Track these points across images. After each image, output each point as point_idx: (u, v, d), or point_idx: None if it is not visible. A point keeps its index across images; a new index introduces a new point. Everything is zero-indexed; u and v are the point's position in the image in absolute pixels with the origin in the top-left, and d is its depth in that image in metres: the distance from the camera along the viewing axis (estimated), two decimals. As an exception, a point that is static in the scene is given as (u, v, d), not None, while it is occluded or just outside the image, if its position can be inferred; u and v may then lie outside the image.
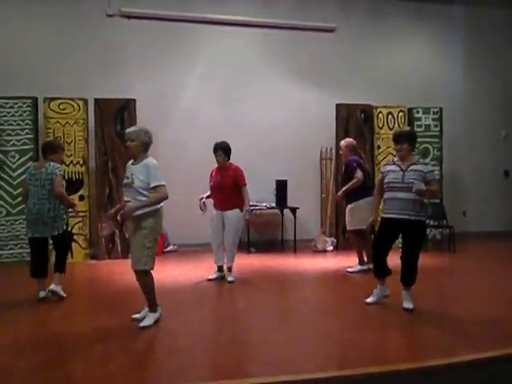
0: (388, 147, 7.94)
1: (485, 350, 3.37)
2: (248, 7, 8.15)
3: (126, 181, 3.93)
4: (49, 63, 7.26)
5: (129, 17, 7.70)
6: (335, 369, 3.08)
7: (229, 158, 5.61)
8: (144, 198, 3.83)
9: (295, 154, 8.19)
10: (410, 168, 4.27)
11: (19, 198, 6.67)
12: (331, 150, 8.22)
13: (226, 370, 3.11)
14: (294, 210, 7.68)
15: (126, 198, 3.93)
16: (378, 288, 4.55)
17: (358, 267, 6.07)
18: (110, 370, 3.13)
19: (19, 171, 6.75)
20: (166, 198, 3.91)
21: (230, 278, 5.58)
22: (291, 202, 7.77)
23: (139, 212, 3.82)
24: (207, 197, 5.68)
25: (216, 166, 5.65)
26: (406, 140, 4.32)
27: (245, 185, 5.55)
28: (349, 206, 6.05)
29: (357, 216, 5.87)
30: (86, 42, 7.47)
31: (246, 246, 7.58)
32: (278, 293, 5.27)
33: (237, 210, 5.52)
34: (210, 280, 5.61)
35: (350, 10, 8.55)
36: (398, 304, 4.37)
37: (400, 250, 4.37)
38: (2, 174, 6.75)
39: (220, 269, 5.73)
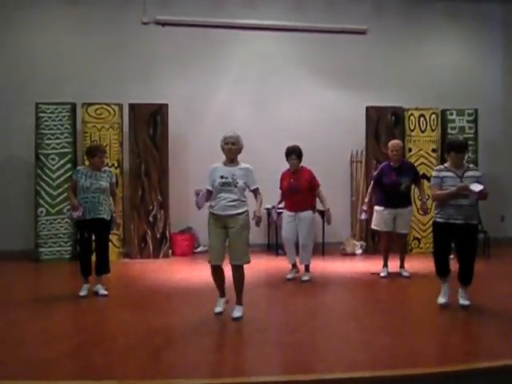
0: (420, 150, 7.82)
1: (503, 358, 3.30)
2: (279, 11, 8.24)
3: (225, 180, 4.15)
4: (87, 70, 7.63)
5: (163, 24, 7.97)
6: (344, 370, 3.11)
7: (301, 162, 5.89)
8: (243, 198, 4.20)
9: (325, 157, 8.16)
10: (466, 174, 4.39)
11: (58, 198, 7.09)
12: (362, 152, 8.17)
13: (235, 368, 3.20)
14: (322, 213, 7.67)
15: (223, 196, 4.13)
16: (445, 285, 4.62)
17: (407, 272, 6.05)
18: (129, 361, 3.30)
19: (58, 173, 7.13)
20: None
21: (304, 278, 5.83)
22: (320, 204, 7.75)
23: (240, 210, 4.15)
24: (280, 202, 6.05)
25: (285, 170, 5.97)
26: (467, 150, 4.55)
27: (319, 186, 5.89)
28: (409, 209, 5.99)
29: (410, 220, 6.10)
30: (122, 49, 7.80)
31: (275, 248, 7.65)
32: (301, 295, 5.30)
33: (309, 212, 5.84)
34: (289, 280, 5.86)
35: (382, 11, 8.46)
36: (420, 309, 4.34)
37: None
38: (43, 176, 7.14)
39: (294, 266, 5.99)
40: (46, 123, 7.15)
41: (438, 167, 4.69)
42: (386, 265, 6.12)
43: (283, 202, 6.05)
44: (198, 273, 6.21)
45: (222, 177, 4.16)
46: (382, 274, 6.04)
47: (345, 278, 6.16)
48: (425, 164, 7.76)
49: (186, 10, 7.96)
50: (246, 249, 4.19)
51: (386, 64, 8.44)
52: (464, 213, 4.35)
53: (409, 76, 8.43)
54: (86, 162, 7.04)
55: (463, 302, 4.48)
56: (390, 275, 6.02)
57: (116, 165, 7.30)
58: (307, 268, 5.94)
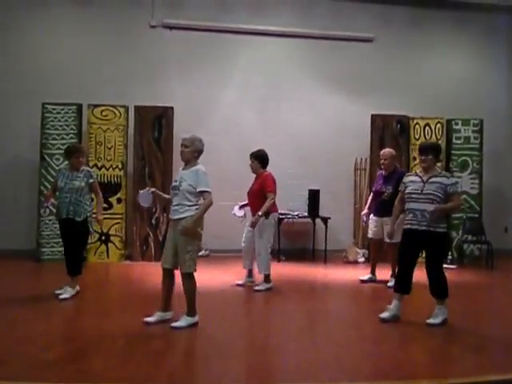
0: (424, 159, 7.78)
1: (508, 371, 3.26)
2: (286, 17, 8.25)
3: (174, 184, 4.14)
4: (93, 72, 7.65)
5: (170, 28, 8.00)
6: (346, 380, 3.08)
7: (262, 166, 5.68)
8: (187, 202, 4.00)
9: (329, 164, 8.19)
10: (431, 180, 4.29)
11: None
12: (366, 160, 8.15)
13: (236, 375, 3.18)
14: (325, 220, 7.67)
15: (172, 199, 4.12)
16: (394, 304, 4.43)
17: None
18: (129, 365, 3.28)
19: (62, 174, 7.13)
20: (211, 204, 4.06)
21: (256, 287, 5.57)
22: (323, 211, 7.76)
23: (183, 216, 3.97)
24: (245, 205, 5.88)
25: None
26: (431, 152, 4.36)
27: (270, 191, 5.49)
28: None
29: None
30: (130, 51, 7.82)
31: (277, 253, 7.62)
32: (303, 302, 5.28)
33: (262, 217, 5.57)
34: (238, 285, 5.70)
35: (389, 19, 8.47)
36: (423, 319, 4.30)
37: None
38: (48, 176, 7.13)
39: (249, 274, 5.82)
40: (52, 123, 7.16)
41: (408, 173, 4.64)
42: (372, 272, 6.16)
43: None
44: (199, 277, 6.16)
45: (175, 181, 4.15)
46: (361, 277, 6.14)
47: (346, 286, 6.12)
48: (429, 173, 7.73)
49: (193, 15, 7.98)
50: (186, 256, 3.95)
51: (392, 72, 8.44)
52: (422, 218, 4.19)
53: (415, 85, 8.43)
54: (92, 162, 7.16)
55: (429, 319, 4.23)
56: (375, 282, 6.04)
57: (120, 167, 7.30)
58: (265, 278, 5.60)
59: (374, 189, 6.22)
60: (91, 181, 5.13)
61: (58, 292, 4.98)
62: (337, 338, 3.96)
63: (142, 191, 4.36)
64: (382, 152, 6.21)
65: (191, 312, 4.09)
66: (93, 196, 5.36)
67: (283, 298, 5.42)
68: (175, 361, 3.45)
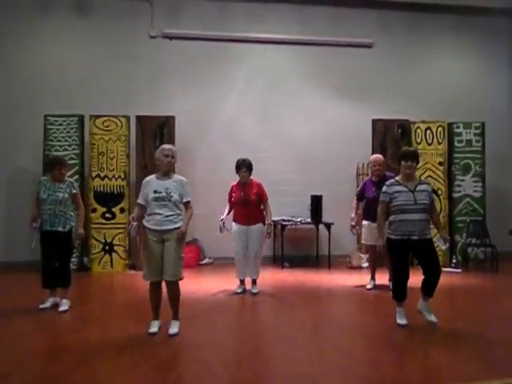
0: (426, 163, 7.78)
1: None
2: (286, 25, 8.31)
3: (158, 195, 4.04)
4: (95, 83, 7.71)
5: (170, 38, 8.06)
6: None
7: (251, 174, 5.77)
8: (178, 211, 4.11)
9: (331, 169, 8.20)
10: (418, 188, 4.30)
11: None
12: (368, 165, 8.15)
13: (242, 383, 3.17)
14: (328, 226, 7.66)
15: (158, 211, 4.05)
16: (401, 310, 4.47)
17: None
18: (135, 376, 3.27)
19: (65, 184, 7.15)
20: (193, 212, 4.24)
21: (253, 290, 5.75)
22: (326, 217, 7.75)
23: (177, 225, 4.07)
24: (226, 215, 5.86)
25: (235, 182, 5.84)
26: (415, 158, 4.40)
27: (267, 199, 5.73)
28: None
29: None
30: (130, 62, 7.87)
31: (280, 260, 7.62)
32: (307, 308, 5.26)
33: (260, 225, 5.69)
34: (237, 293, 5.74)
35: (389, 24, 8.52)
36: (427, 324, 4.28)
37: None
38: (51, 187, 7.16)
39: (242, 282, 5.87)
40: (55, 135, 7.21)
41: (389, 181, 4.44)
42: (373, 278, 6.18)
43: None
44: (203, 286, 6.19)
45: (155, 191, 4.04)
46: (368, 287, 6.10)
47: (351, 291, 6.10)
48: (432, 177, 7.72)
49: (193, 24, 8.05)
50: (180, 264, 4.05)
51: (393, 77, 8.48)
52: (418, 228, 4.20)
53: (415, 89, 8.46)
54: (94, 173, 7.18)
55: (431, 318, 4.31)
56: (376, 288, 6.03)
57: (123, 176, 7.33)
58: (254, 281, 5.84)
59: (366, 196, 6.10)
60: (74, 191, 5.08)
61: (42, 306, 4.93)
62: (342, 345, 3.95)
63: (131, 227, 4.20)
64: (373, 159, 6.14)
65: (178, 316, 4.21)
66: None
67: (288, 304, 5.41)
68: (181, 369, 3.44)
